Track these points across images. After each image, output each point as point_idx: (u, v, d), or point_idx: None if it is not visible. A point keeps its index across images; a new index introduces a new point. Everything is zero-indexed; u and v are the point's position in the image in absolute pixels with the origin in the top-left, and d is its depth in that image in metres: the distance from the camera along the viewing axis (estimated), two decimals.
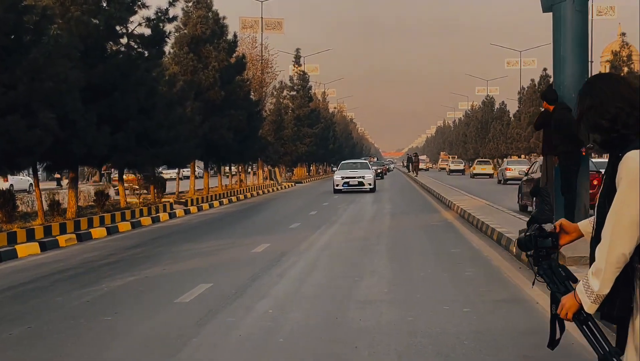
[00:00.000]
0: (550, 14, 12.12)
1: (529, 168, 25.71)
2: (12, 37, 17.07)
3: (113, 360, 6.94)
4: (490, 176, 63.52)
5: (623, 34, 50.59)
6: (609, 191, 3.17)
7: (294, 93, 67.34)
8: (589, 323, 3.17)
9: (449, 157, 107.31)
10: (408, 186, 49.10)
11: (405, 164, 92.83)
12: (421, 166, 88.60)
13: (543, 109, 12.66)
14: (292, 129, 62.16)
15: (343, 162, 44.74)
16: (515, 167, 46.66)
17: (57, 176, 53.03)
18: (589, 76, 11.84)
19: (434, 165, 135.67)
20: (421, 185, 46.75)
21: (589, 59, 56.06)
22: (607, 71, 49.60)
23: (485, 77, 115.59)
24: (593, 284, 3.12)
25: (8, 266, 13.53)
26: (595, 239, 3.21)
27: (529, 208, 22.13)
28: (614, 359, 3.09)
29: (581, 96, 3.35)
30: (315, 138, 67.89)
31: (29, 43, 17.17)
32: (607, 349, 3.11)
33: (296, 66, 69.14)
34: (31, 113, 16.58)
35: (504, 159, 63.16)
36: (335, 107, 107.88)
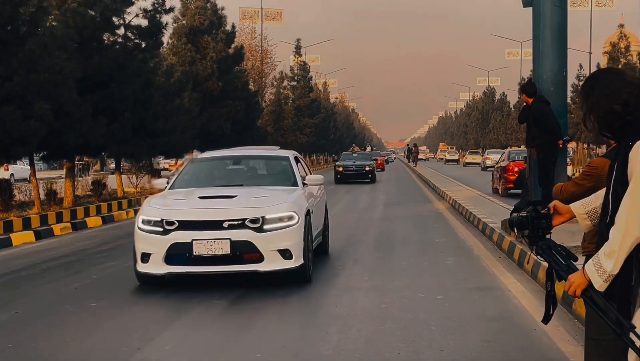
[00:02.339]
0: (530, 9, 12.37)
1: (501, 156, 30.31)
2: (9, 28, 17.34)
3: (93, 343, 7.21)
4: (479, 164, 68.61)
5: (621, 26, 50.72)
6: (622, 177, 3.43)
7: (295, 83, 67.50)
8: (596, 299, 3.40)
9: (447, 148, 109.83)
10: (408, 182, 49.32)
11: (406, 155, 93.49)
12: (420, 156, 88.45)
13: (525, 103, 12.92)
14: (292, 119, 62.32)
15: (187, 168, 12.08)
16: (493, 157, 51.83)
17: (68, 165, 53.11)
18: (567, 69, 12.13)
19: (434, 155, 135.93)
20: (418, 175, 47.02)
21: (589, 50, 56.23)
22: (607, 61, 49.78)
23: (486, 68, 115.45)
24: (606, 265, 3.36)
25: (2, 254, 13.81)
26: (609, 224, 3.44)
27: (499, 191, 26.58)
28: (628, 332, 3.30)
29: (587, 90, 3.62)
30: (316, 128, 68.09)
31: (25, 35, 17.44)
32: (622, 323, 3.31)
33: (297, 56, 69.31)
34: (27, 104, 16.88)
35: (486, 150, 70.29)
36: (336, 98, 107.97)
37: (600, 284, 3.40)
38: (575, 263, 3.60)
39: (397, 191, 32.36)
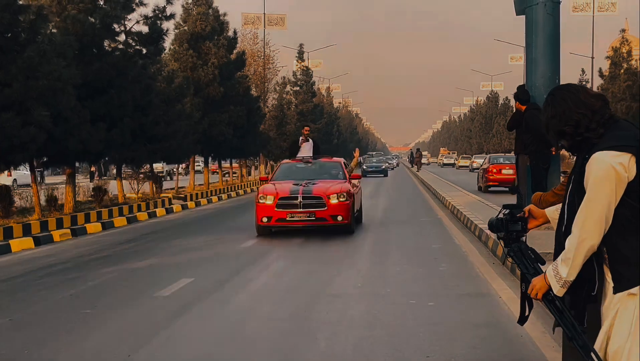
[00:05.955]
0: (524, 17, 12.45)
1: (484, 160, 36.86)
2: (8, 35, 17.44)
3: (84, 350, 7.29)
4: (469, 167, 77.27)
5: (622, 31, 50.72)
6: (579, 188, 3.53)
7: (297, 89, 67.52)
8: (557, 303, 3.55)
9: (448, 152, 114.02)
10: (409, 187, 49.41)
11: (409, 160, 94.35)
12: (422, 160, 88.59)
13: (515, 110, 12.99)
14: (295, 124, 62.36)
15: None
16: (478, 161, 59.64)
17: (93, 169, 53.28)
18: (560, 77, 12.21)
19: (436, 159, 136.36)
20: (421, 180, 47.17)
21: (592, 55, 56.16)
22: (608, 67, 49.77)
23: (489, 73, 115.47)
24: (562, 271, 3.50)
25: (0, 261, 13.88)
26: (565, 233, 3.57)
27: (482, 188, 32.43)
28: (582, 336, 3.46)
29: (544, 106, 3.74)
30: (319, 133, 68.08)
31: (25, 42, 17.53)
32: (575, 327, 3.48)
33: (299, 61, 69.34)
34: (26, 110, 16.97)
35: (473, 155, 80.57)
36: (340, 102, 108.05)
37: (557, 290, 3.53)
38: (542, 267, 3.71)
39: (397, 195, 32.42)
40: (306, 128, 20.68)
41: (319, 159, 19.33)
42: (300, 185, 16.76)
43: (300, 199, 16.16)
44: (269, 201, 16.23)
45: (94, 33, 21.49)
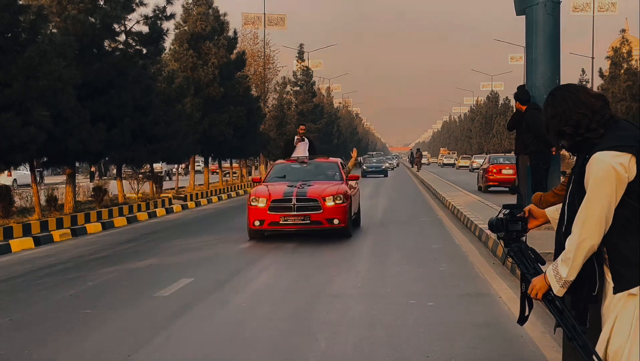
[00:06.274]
0: (524, 17, 12.44)
1: (483, 161, 37.86)
2: (8, 35, 17.43)
3: (84, 350, 7.29)
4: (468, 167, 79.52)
5: (622, 31, 50.73)
6: (579, 189, 3.53)
7: (297, 89, 67.52)
8: (557, 303, 3.56)
9: (448, 152, 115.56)
10: (409, 187, 49.40)
11: (409, 160, 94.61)
12: (422, 160, 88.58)
13: (516, 110, 13.00)
14: (295, 124, 62.33)
15: None
16: (479, 160, 61.10)
17: (93, 169, 53.26)
18: (560, 77, 12.20)
19: (437, 160, 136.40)
20: (421, 180, 47.20)
21: (592, 55, 56.17)
22: (609, 67, 49.75)
23: (490, 73, 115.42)
24: (562, 271, 3.51)
25: (0, 261, 13.87)
26: (565, 233, 3.57)
27: (482, 188, 33.05)
28: (582, 337, 3.48)
29: (544, 106, 3.74)
30: (319, 133, 68.06)
31: (25, 42, 17.52)
32: (575, 327, 3.49)
33: (299, 61, 69.34)
34: (26, 110, 16.96)
35: (473, 155, 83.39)
36: (340, 102, 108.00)
37: (557, 290, 3.53)
38: (542, 267, 3.71)
39: (397, 195, 32.42)
40: (302, 127, 20.05)
41: (315, 159, 18.69)
42: (295, 187, 16.03)
43: (294, 201, 15.43)
44: (261, 203, 15.47)
45: (94, 33, 21.48)
